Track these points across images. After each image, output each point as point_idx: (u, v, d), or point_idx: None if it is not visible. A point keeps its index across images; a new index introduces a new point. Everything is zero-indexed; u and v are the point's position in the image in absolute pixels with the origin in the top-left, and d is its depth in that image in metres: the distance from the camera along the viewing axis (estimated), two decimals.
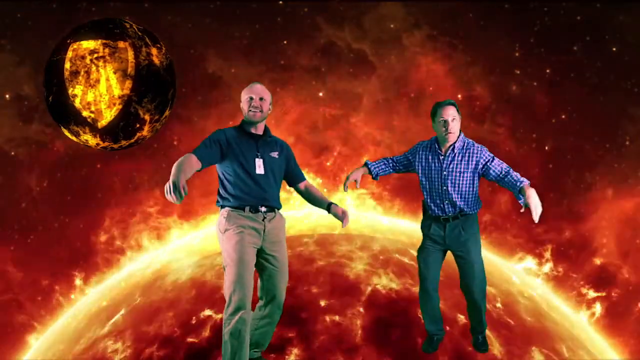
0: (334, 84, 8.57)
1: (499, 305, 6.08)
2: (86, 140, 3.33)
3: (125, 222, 7.91)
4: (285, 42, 8.03)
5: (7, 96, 6.43)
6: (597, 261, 7.43)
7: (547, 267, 7.71)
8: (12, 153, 6.79)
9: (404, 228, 8.43)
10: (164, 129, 4.01)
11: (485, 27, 7.60)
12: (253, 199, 2.68)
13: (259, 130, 2.79)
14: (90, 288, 7.61)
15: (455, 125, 2.95)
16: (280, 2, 7.98)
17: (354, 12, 8.17)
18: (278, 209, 2.84)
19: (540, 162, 7.61)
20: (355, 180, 3.20)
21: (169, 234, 8.32)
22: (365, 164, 3.32)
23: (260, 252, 2.73)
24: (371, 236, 7.61)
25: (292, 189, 3.10)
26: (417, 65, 8.28)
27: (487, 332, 3.53)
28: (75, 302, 7.46)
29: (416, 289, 3.78)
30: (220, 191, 2.76)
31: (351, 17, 8.17)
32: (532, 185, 2.72)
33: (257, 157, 2.72)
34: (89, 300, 7.32)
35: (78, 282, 7.47)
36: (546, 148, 7.62)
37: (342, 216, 2.84)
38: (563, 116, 7.45)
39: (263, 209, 2.71)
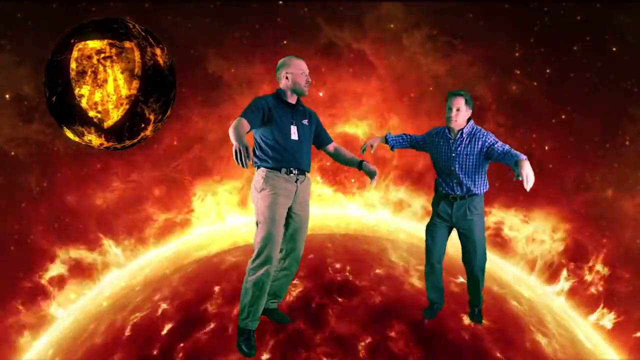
0: (334, 84, 8.58)
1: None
2: (90, 140, 3.31)
3: (125, 222, 7.90)
4: (285, 42, 8.03)
5: (7, 96, 6.40)
6: (597, 261, 7.45)
7: (547, 268, 7.74)
8: (12, 153, 6.77)
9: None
10: (164, 128, 4.01)
11: (485, 27, 7.61)
12: (288, 162, 2.93)
13: (294, 100, 3.05)
14: (86, 290, 7.61)
15: (459, 116, 3.18)
16: (280, 2, 7.97)
17: (354, 12, 8.17)
18: (307, 172, 3.10)
19: (540, 162, 7.62)
20: (371, 145, 3.48)
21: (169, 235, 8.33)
22: (386, 135, 3.59)
23: (289, 210, 2.99)
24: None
25: None
26: (417, 65, 8.29)
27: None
28: (73, 302, 7.45)
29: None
30: (257, 152, 2.99)
31: (351, 17, 8.19)
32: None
33: (292, 124, 2.98)
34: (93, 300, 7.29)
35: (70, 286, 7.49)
36: (546, 148, 7.64)
37: (373, 173, 3.05)
38: (563, 116, 7.47)
39: (295, 171, 2.96)
